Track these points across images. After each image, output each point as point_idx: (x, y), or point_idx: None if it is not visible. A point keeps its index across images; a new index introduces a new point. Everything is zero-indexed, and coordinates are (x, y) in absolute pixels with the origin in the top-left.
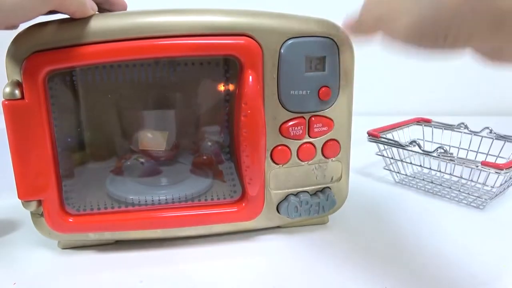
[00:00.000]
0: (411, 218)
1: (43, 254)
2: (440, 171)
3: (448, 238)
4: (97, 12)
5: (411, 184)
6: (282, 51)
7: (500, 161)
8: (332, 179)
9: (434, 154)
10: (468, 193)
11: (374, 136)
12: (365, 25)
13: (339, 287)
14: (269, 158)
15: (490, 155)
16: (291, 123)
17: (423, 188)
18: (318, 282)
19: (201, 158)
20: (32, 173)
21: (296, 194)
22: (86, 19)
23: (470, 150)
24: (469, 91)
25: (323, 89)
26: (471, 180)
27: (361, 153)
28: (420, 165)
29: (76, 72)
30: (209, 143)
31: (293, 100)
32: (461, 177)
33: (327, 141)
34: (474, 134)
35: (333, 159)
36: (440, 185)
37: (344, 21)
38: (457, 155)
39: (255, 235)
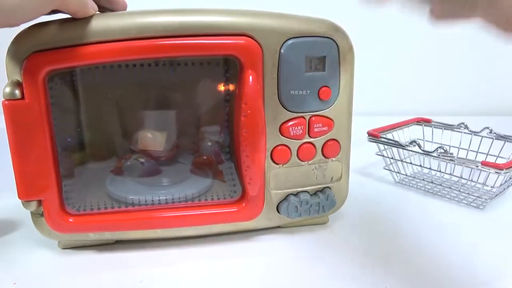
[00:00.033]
0: (411, 218)
1: (43, 254)
2: (440, 171)
3: (448, 238)
4: (97, 12)
5: (411, 184)
6: (282, 51)
7: (500, 161)
8: (332, 179)
9: (434, 154)
10: (468, 193)
11: (374, 136)
12: None
13: (339, 287)
14: (269, 158)
15: (490, 155)
16: (291, 123)
17: (423, 188)
18: (318, 282)
19: (201, 158)
20: (32, 173)
21: (296, 194)
22: (87, 19)
23: (470, 150)
24: (469, 91)
25: (323, 89)
26: (471, 180)
27: (361, 153)
28: (420, 165)
29: (76, 72)
30: (209, 143)
31: (293, 100)
32: (461, 177)
33: (327, 141)
34: (474, 134)
35: (333, 159)
36: (440, 185)
37: None
38: (457, 155)
39: (255, 235)
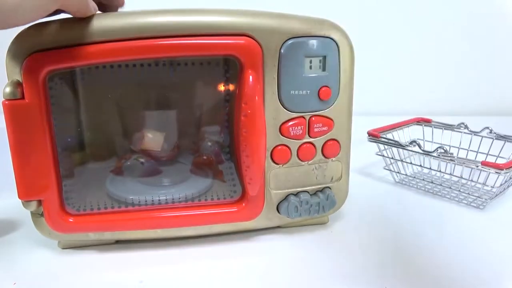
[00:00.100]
0: (411, 218)
1: (43, 254)
2: (440, 171)
3: (448, 238)
4: (98, 12)
5: (411, 184)
6: (282, 51)
7: (500, 161)
8: (332, 179)
9: (434, 154)
10: (468, 193)
11: (374, 136)
12: None
13: (339, 287)
14: (269, 158)
15: (490, 155)
16: (291, 123)
17: (423, 188)
18: (318, 282)
19: (201, 158)
20: (32, 173)
21: (296, 194)
22: (86, 19)
23: (470, 150)
24: (469, 91)
25: (323, 89)
26: (471, 180)
27: (361, 153)
28: (420, 165)
29: (76, 72)
30: (209, 143)
31: (293, 100)
32: (461, 177)
33: (327, 141)
34: (474, 134)
35: (333, 159)
36: (440, 185)
37: None
38: (457, 155)
39: (255, 235)
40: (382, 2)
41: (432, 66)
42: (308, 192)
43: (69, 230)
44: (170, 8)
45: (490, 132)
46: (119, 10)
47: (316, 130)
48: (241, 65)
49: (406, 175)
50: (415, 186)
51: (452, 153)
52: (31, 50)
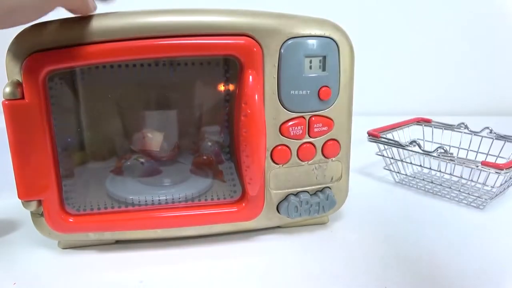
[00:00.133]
0: (411, 218)
1: (43, 254)
2: (440, 171)
3: (448, 238)
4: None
5: (411, 184)
6: (282, 51)
7: (500, 161)
8: (332, 179)
9: (434, 154)
10: (468, 193)
11: (374, 136)
12: None
13: (339, 287)
14: (269, 158)
15: (490, 155)
16: (291, 123)
17: (423, 188)
18: (318, 282)
19: (201, 158)
20: (32, 173)
21: (296, 194)
22: (86, 19)
23: (470, 150)
24: (469, 91)
25: (323, 89)
26: (471, 180)
27: (361, 153)
28: (420, 165)
29: (76, 72)
30: (209, 143)
31: (293, 100)
32: (461, 177)
33: (327, 141)
34: (474, 134)
35: (333, 159)
36: (440, 185)
37: None
38: (457, 155)
39: (255, 235)
40: (382, 2)
41: (432, 66)
42: (308, 192)
43: (69, 230)
44: (170, 8)
45: (490, 132)
46: (119, 10)
47: (316, 130)
48: (241, 65)
49: (406, 175)
50: (415, 186)
51: (452, 153)
52: (31, 50)
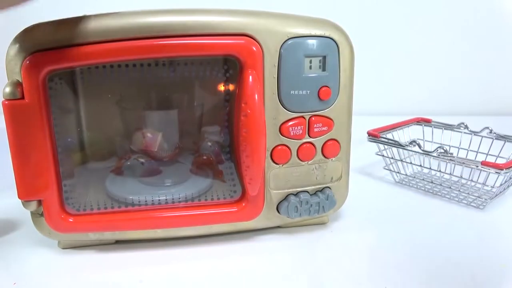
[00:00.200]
0: (411, 218)
1: (43, 254)
2: (440, 171)
3: (448, 238)
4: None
5: (411, 184)
6: (282, 51)
7: (500, 161)
8: (332, 179)
9: (434, 154)
10: (468, 193)
11: (374, 136)
12: None
13: (339, 287)
14: (269, 158)
15: (490, 155)
16: (291, 123)
17: (423, 188)
18: (318, 282)
19: (201, 158)
20: (32, 173)
21: (296, 194)
22: (86, 19)
23: (470, 150)
24: (469, 91)
25: (323, 89)
26: (471, 180)
27: (361, 153)
28: (420, 165)
29: (76, 72)
30: (209, 143)
31: (293, 100)
32: (461, 177)
33: (327, 141)
34: (474, 134)
35: (333, 159)
36: (440, 185)
37: None
38: (457, 155)
39: (255, 235)
40: (382, 2)
41: (432, 66)
42: (308, 192)
43: (69, 230)
44: (170, 8)
45: (490, 132)
46: (119, 10)
47: (316, 130)
48: (241, 65)
49: (406, 175)
50: (415, 186)
51: (452, 153)
52: (31, 50)
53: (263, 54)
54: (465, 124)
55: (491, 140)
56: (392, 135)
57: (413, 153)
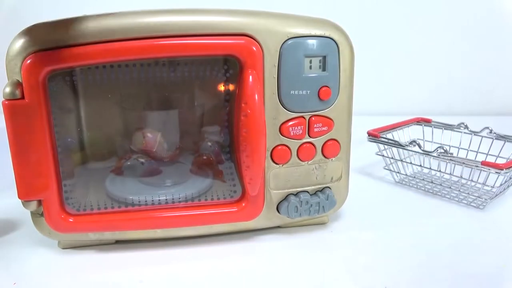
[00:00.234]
0: (411, 218)
1: (43, 254)
2: (440, 171)
3: (448, 238)
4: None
5: (411, 184)
6: (282, 51)
7: (500, 161)
8: (332, 179)
9: (434, 154)
10: (468, 193)
11: (374, 136)
12: None
13: (339, 287)
14: (269, 158)
15: (490, 155)
16: (291, 123)
17: (423, 188)
18: (318, 282)
19: (201, 158)
20: (32, 173)
21: (296, 194)
22: (86, 19)
23: (470, 150)
24: (469, 91)
25: (323, 89)
26: (471, 180)
27: (361, 153)
28: (420, 165)
29: (76, 72)
30: (209, 143)
31: (293, 100)
32: (461, 177)
33: (327, 141)
34: (474, 134)
35: (333, 159)
36: (440, 185)
37: None
38: (457, 155)
39: (255, 235)
40: (382, 2)
41: (432, 66)
42: (308, 192)
43: (69, 230)
44: (170, 8)
45: (490, 132)
46: (119, 10)
47: (316, 130)
48: (241, 65)
49: (406, 175)
50: (415, 186)
51: (452, 153)
52: (31, 50)
53: (263, 54)
54: (465, 124)
55: (491, 140)
56: (392, 135)
57: (413, 153)
